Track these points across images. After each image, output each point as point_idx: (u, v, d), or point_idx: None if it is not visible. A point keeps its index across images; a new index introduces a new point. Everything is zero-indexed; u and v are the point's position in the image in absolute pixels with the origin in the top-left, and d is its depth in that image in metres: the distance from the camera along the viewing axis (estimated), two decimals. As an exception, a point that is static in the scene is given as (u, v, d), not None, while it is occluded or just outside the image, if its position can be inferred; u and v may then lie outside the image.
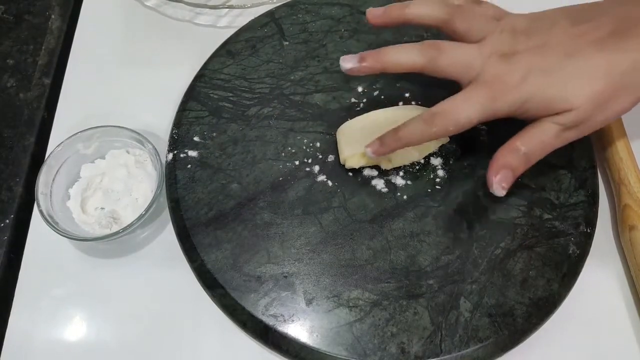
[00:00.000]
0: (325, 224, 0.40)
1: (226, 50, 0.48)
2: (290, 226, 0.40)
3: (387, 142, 0.38)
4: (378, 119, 0.42)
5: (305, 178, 0.42)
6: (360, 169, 0.42)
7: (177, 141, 0.44)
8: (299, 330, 0.36)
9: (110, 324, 0.40)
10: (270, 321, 0.36)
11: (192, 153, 0.43)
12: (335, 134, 0.43)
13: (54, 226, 0.39)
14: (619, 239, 0.42)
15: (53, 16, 0.54)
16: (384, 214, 0.41)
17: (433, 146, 0.43)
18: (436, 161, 0.43)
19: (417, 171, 0.42)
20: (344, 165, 0.42)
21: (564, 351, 0.39)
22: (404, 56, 0.38)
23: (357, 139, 0.41)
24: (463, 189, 0.42)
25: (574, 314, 0.39)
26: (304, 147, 0.44)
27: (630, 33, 0.35)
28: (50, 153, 0.42)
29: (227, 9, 0.54)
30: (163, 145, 0.44)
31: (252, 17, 0.50)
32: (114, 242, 0.42)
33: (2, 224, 0.43)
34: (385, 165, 0.42)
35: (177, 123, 0.45)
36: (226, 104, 0.46)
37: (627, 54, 0.35)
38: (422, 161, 0.43)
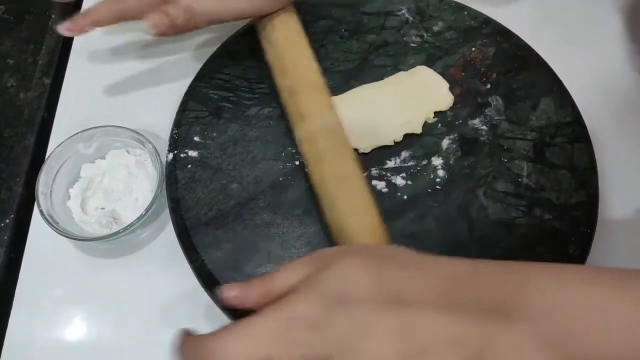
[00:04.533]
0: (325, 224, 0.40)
1: (226, 50, 0.48)
2: (290, 226, 0.40)
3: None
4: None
5: (306, 178, 0.42)
6: (361, 170, 0.42)
7: (177, 141, 0.44)
8: (299, 330, 0.36)
9: (110, 324, 0.40)
10: (270, 321, 0.36)
11: (193, 153, 0.43)
12: None
13: (54, 226, 0.39)
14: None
15: (53, 16, 0.54)
16: (384, 214, 0.41)
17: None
18: (436, 161, 0.43)
19: (417, 171, 0.42)
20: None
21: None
22: None
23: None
24: (463, 189, 0.42)
25: (574, 314, 0.39)
26: (304, 147, 0.44)
27: None
28: (51, 153, 0.42)
29: (227, 9, 0.54)
30: (163, 145, 0.44)
31: (252, 17, 0.50)
32: (114, 242, 0.42)
33: (2, 224, 0.43)
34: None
35: (178, 123, 0.45)
36: (226, 104, 0.46)
37: None
38: (423, 161, 0.43)
